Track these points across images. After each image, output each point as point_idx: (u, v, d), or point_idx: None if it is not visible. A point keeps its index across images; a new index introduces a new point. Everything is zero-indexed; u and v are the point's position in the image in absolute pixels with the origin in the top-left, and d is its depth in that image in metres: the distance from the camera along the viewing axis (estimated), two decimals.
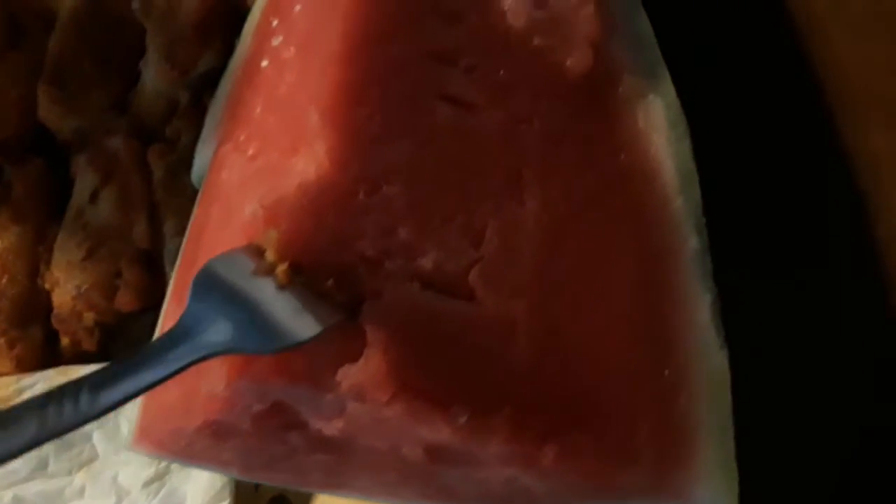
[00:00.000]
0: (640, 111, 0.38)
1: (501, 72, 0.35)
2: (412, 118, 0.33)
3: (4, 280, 0.51)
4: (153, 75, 0.49)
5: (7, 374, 0.50)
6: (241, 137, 0.40)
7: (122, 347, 0.52)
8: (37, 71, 0.53)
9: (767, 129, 0.47)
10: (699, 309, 0.36)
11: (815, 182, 0.46)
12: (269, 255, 0.30)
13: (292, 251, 0.30)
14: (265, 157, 0.35)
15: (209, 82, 0.50)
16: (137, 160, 0.50)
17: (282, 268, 0.29)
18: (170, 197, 0.49)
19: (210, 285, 0.29)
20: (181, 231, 0.50)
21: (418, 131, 0.33)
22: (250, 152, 0.38)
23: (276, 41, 0.40)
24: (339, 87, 0.32)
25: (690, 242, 0.37)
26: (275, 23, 0.42)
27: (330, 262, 0.30)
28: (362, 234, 0.32)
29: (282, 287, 0.29)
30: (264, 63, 0.41)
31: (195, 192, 0.49)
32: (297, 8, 0.38)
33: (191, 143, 0.50)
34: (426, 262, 0.31)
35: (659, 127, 0.38)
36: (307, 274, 0.30)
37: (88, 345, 0.51)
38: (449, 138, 0.33)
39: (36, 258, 0.52)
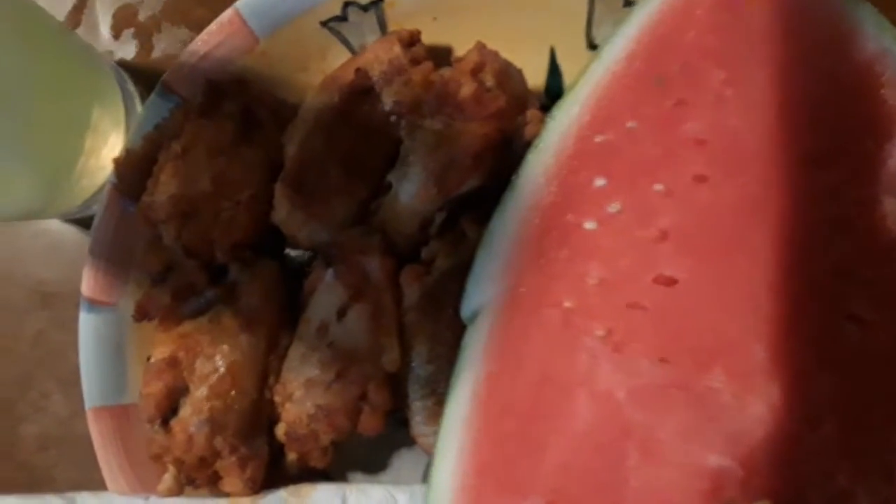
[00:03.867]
0: None
1: (891, 283, 0.34)
2: (828, 344, 0.32)
3: (234, 393, 0.47)
4: (413, 195, 0.46)
5: (237, 494, 0.47)
6: (567, 304, 0.38)
7: (344, 462, 0.50)
8: (269, 170, 0.50)
9: None
10: None
11: None
12: None
13: None
14: (654, 365, 0.33)
15: (466, 204, 0.48)
16: (391, 280, 0.47)
17: None
18: (423, 322, 0.47)
19: None
20: (433, 359, 0.47)
21: (835, 359, 0.31)
22: (600, 334, 0.35)
23: (613, 208, 0.38)
24: (778, 323, 0.31)
25: None
26: (599, 182, 0.39)
27: None
28: (807, 481, 0.30)
29: None
30: (589, 225, 0.39)
31: (451, 319, 0.47)
32: (658, 188, 0.36)
33: (449, 268, 0.47)
34: None
35: None
36: None
37: (319, 462, 0.48)
38: (859, 364, 0.32)
39: (266, 369, 0.49)
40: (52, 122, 0.42)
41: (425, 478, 0.50)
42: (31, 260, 0.56)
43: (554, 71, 0.49)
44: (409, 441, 0.50)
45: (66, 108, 0.44)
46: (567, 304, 0.38)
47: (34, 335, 0.56)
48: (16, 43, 0.38)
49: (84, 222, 0.56)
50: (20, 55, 0.39)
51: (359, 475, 0.50)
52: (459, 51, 0.50)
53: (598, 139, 0.40)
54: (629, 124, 0.39)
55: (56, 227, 0.56)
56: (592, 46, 0.48)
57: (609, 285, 0.37)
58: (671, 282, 0.34)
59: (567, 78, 0.49)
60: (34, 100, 0.40)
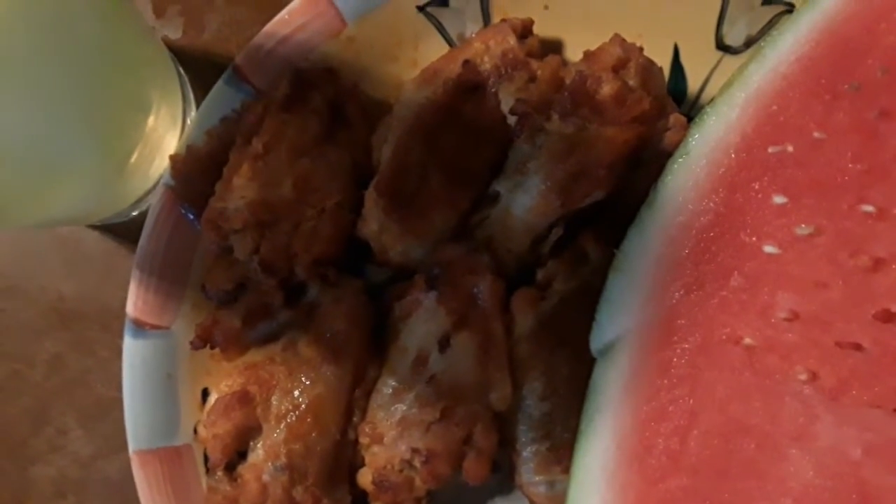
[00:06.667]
0: None
1: None
2: None
3: (315, 434, 0.41)
4: (529, 207, 0.41)
5: None
6: (748, 341, 0.34)
7: None
8: (355, 174, 0.44)
9: None
10: None
11: None
12: None
13: None
14: (889, 416, 0.28)
15: (583, 218, 0.43)
16: (500, 305, 0.42)
17: None
18: (538, 354, 0.41)
19: None
20: (549, 396, 0.42)
21: None
22: (802, 378, 0.31)
23: (803, 231, 0.34)
24: None
25: None
26: (779, 199, 0.35)
27: None
28: None
29: None
30: (769, 249, 0.35)
31: (571, 352, 0.42)
32: (867, 209, 0.32)
33: (568, 293, 0.42)
34: None
35: None
36: None
37: None
38: None
39: (350, 406, 0.43)
40: (119, 101, 0.36)
41: None
42: (48, 272, 0.49)
43: (677, 71, 0.44)
44: (504, 489, 0.45)
45: (131, 88, 0.37)
46: (748, 340, 0.33)
47: (50, 360, 0.49)
48: (93, 15, 0.31)
49: (112, 229, 0.49)
50: (97, 27, 0.32)
51: None
52: (570, 45, 0.45)
53: (771, 150, 0.35)
54: (816, 135, 0.34)
55: (78, 233, 0.49)
56: (722, 47, 0.44)
57: (807, 321, 0.32)
58: (892, 317, 0.30)
59: (691, 80, 0.45)
60: (106, 75, 0.33)
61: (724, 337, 0.34)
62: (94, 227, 0.49)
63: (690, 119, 0.39)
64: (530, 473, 0.41)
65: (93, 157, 0.36)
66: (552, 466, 0.41)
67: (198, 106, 0.45)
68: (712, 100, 0.39)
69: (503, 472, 0.43)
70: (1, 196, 0.33)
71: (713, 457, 0.32)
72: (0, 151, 0.30)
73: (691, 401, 0.34)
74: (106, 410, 0.48)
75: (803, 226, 0.34)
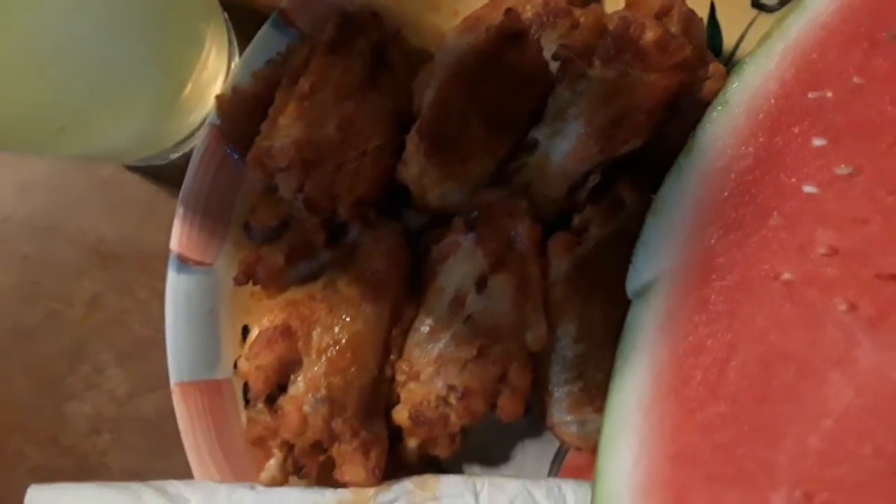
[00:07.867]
0: None
1: None
2: None
3: (354, 369, 0.42)
4: (568, 153, 0.41)
5: (358, 484, 0.42)
6: (787, 276, 0.34)
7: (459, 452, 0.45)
8: (395, 119, 0.44)
9: None
10: None
11: None
12: None
13: None
14: None
15: (619, 166, 0.44)
16: (537, 249, 0.43)
17: None
18: (573, 297, 0.42)
19: None
20: (583, 338, 0.43)
21: None
22: (842, 308, 0.32)
23: (842, 171, 0.34)
24: None
25: None
26: (818, 142, 0.36)
27: None
28: None
29: None
30: (808, 189, 0.35)
31: (606, 295, 0.42)
32: None
33: (604, 238, 0.43)
34: None
35: None
36: None
37: (444, 451, 0.43)
38: None
39: (388, 343, 0.43)
40: (178, 32, 0.37)
41: (551, 471, 0.45)
42: (88, 213, 0.49)
43: (713, 28, 0.45)
44: (533, 430, 0.46)
45: (188, 22, 0.38)
46: (787, 275, 0.34)
47: (89, 300, 0.49)
48: None
49: (153, 172, 0.50)
50: None
51: (476, 467, 0.45)
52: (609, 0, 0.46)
53: (811, 96, 0.36)
54: (855, 80, 0.35)
55: (119, 176, 0.50)
56: (757, 5, 0.45)
57: (847, 255, 0.33)
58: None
59: (727, 37, 0.45)
60: (169, 5, 0.34)
61: (763, 273, 0.35)
62: (134, 170, 0.50)
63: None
64: (562, 413, 0.42)
65: (152, 83, 0.36)
66: (584, 406, 0.41)
67: (241, 54, 0.45)
68: (750, 53, 0.39)
69: (534, 415, 0.44)
70: (65, 113, 0.33)
71: (752, 385, 0.33)
72: (71, 65, 0.30)
73: (729, 335, 0.35)
74: (143, 349, 0.48)
75: (843, 166, 0.34)
